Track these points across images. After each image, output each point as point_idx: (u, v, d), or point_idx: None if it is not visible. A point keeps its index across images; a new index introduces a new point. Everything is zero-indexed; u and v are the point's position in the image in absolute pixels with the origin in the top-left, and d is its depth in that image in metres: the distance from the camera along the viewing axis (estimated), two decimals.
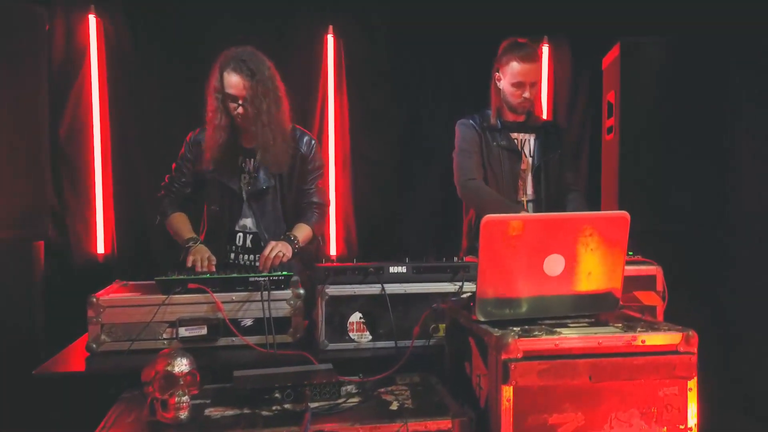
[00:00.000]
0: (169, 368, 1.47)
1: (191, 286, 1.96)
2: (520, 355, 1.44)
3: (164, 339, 1.94)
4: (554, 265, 1.58)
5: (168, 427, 1.43)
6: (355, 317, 1.97)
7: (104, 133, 3.26)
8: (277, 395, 1.57)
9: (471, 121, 2.75)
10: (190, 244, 2.30)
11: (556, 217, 1.58)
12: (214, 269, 2.25)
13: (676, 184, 2.78)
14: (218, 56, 2.36)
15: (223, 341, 1.97)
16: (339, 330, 1.96)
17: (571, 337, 1.47)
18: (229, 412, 1.53)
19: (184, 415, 1.45)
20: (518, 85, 2.62)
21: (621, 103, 2.84)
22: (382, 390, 1.70)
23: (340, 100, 3.48)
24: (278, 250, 2.25)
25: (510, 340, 1.44)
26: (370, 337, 1.98)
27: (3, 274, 2.16)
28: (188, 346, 1.93)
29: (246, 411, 1.53)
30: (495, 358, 1.46)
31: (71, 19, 3.21)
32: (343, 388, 1.67)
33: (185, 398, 1.45)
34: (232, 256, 2.46)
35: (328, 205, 2.60)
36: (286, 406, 1.55)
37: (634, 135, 2.82)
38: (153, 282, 2.00)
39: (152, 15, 3.29)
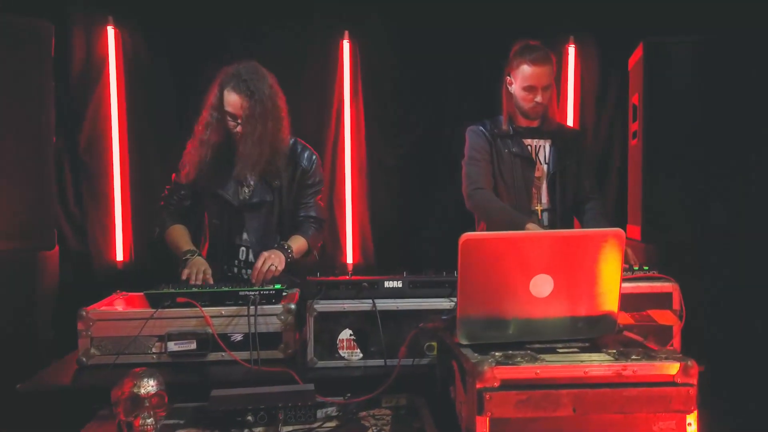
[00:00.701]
0: (135, 389, 1.43)
1: (180, 300, 1.94)
2: (497, 384, 1.34)
3: (153, 353, 1.92)
4: (542, 285, 1.48)
5: None
6: (345, 334, 1.90)
7: (122, 143, 3.29)
8: (249, 418, 1.51)
9: (481, 128, 2.66)
10: (188, 256, 2.28)
11: (542, 235, 1.47)
12: (211, 281, 2.23)
13: (705, 194, 2.60)
14: (219, 72, 2.35)
15: (212, 356, 1.92)
16: (328, 347, 1.90)
17: (553, 365, 1.36)
18: None
19: None
20: (530, 89, 2.52)
21: (644, 107, 2.68)
22: (364, 413, 1.63)
23: (356, 107, 3.42)
24: (270, 262, 2.21)
25: (486, 367, 1.34)
26: (361, 355, 1.91)
27: (5, 285, 2.18)
28: (178, 361, 1.92)
29: None
30: (471, 387, 1.36)
31: (90, 31, 3.26)
32: (322, 411, 1.61)
33: (150, 420, 1.42)
34: (235, 270, 2.44)
35: (325, 221, 2.57)
36: (257, 429, 1.50)
37: (660, 140, 2.64)
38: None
39: (169, 25, 3.30)
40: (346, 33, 3.40)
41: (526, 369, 1.35)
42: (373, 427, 1.54)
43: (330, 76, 3.40)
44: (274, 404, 1.53)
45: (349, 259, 3.43)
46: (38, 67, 2.32)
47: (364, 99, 3.42)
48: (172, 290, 1.97)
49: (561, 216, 2.62)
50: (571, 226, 2.64)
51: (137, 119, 3.33)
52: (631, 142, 2.93)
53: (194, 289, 2.01)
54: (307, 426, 1.52)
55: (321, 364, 1.89)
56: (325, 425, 1.54)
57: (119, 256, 3.30)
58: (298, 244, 2.41)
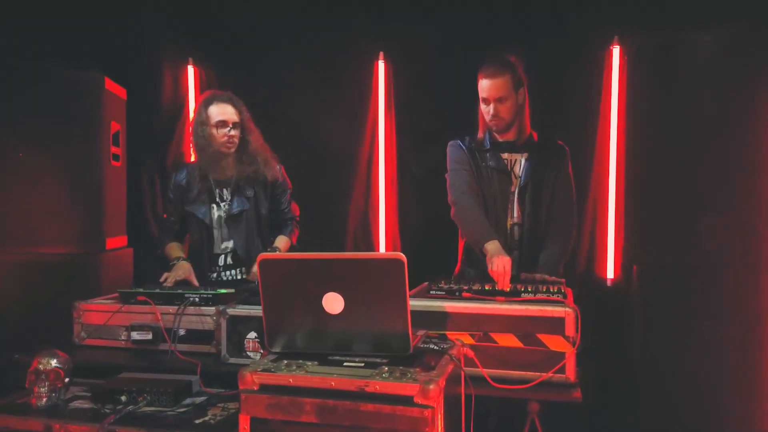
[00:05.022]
0: (39, 366, 1.89)
1: (140, 298, 2.38)
2: (256, 388, 1.54)
3: (122, 339, 2.39)
4: (333, 303, 1.62)
5: (25, 408, 1.86)
6: (251, 336, 2.17)
7: None
8: (123, 397, 1.88)
9: (459, 143, 2.73)
10: (174, 261, 2.74)
11: (328, 257, 1.61)
12: (196, 283, 2.67)
13: (693, 211, 2.34)
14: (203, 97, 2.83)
15: (162, 346, 2.34)
16: (238, 346, 2.19)
17: (308, 375, 1.51)
18: (85, 405, 1.90)
19: (41, 402, 1.85)
20: (484, 101, 2.57)
21: (626, 112, 2.49)
22: (220, 405, 1.90)
23: (390, 123, 3.62)
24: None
25: (247, 372, 1.54)
26: None
27: (64, 283, 2.85)
28: (139, 347, 2.37)
29: (95, 406, 1.88)
30: None
31: (176, 69, 3.93)
32: (192, 399, 1.93)
33: (44, 390, 1.86)
34: (215, 275, 2.84)
35: (298, 216, 2.95)
36: (119, 406, 1.85)
37: (640, 150, 2.44)
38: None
39: (234, 60, 3.83)
40: (381, 54, 3.61)
41: (282, 376, 1.52)
42: (211, 415, 1.81)
43: (365, 95, 3.64)
44: (144, 388, 1.88)
45: None
46: (92, 109, 2.96)
47: (396, 114, 3.61)
48: (137, 290, 2.43)
49: (530, 230, 2.58)
50: (540, 242, 2.58)
51: None
52: None
53: (157, 290, 2.44)
54: (163, 408, 1.85)
55: (232, 360, 2.19)
56: (177, 410, 1.85)
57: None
58: (283, 243, 2.81)
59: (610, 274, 3.32)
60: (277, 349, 1.70)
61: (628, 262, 2.47)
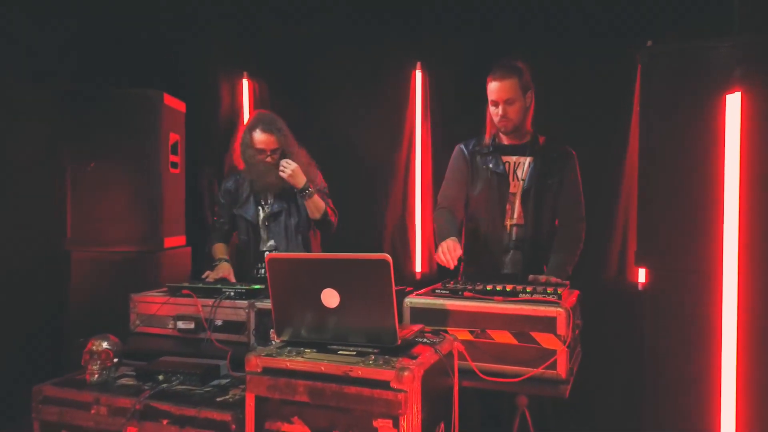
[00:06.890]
0: (93, 347, 2.20)
1: (184, 291, 2.68)
2: (259, 370, 1.76)
3: (170, 328, 2.70)
4: (330, 298, 1.82)
5: (81, 383, 2.17)
6: None
7: None
8: (161, 377, 2.17)
9: (463, 147, 2.86)
10: (216, 263, 3.03)
11: (325, 257, 1.81)
12: (233, 279, 2.94)
13: (705, 218, 2.38)
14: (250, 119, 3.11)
15: (202, 334, 2.62)
16: (264, 335, 2.44)
17: (302, 360, 1.73)
18: (130, 383, 2.19)
19: (92, 378, 2.17)
20: (493, 104, 2.69)
21: (640, 120, 2.55)
22: (240, 387, 2.14)
23: (426, 131, 3.79)
24: (287, 164, 2.93)
25: (252, 356, 1.77)
26: None
27: (127, 279, 3.21)
28: (184, 336, 2.66)
29: (136, 383, 2.17)
30: None
31: (232, 82, 4.26)
32: (217, 381, 2.18)
33: (96, 367, 2.17)
34: (263, 271, 3.10)
35: (334, 214, 3.12)
36: (155, 384, 2.13)
37: (655, 155, 2.49)
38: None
39: (284, 73, 4.12)
40: (419, 64, 3.79)
41: (281, 360, 1.75)
42: (231, 394, 2.06)
43: (403, 104, 3.83)
44: (177, 370, 2.16)
45: (418, 268, 3.81)
46: (151, 122, 3.31)
47: (433, 122, 3.78)
48: (183, 284, 2.73)
49: (535, 232, 2.68)
50: (544, 244, 2.68)
51: None
52: None
53: (199, 285, 2.73)
54: (192, 387, 2.11)
55: (259, 348, 2.43)
56: (204, 389, 2.11)
57: None
58: (319, 199, 3.01)
59: (642, 278, 3.35)
60: (285, 338, 1.92)
61: (640, 266, 2.52)
